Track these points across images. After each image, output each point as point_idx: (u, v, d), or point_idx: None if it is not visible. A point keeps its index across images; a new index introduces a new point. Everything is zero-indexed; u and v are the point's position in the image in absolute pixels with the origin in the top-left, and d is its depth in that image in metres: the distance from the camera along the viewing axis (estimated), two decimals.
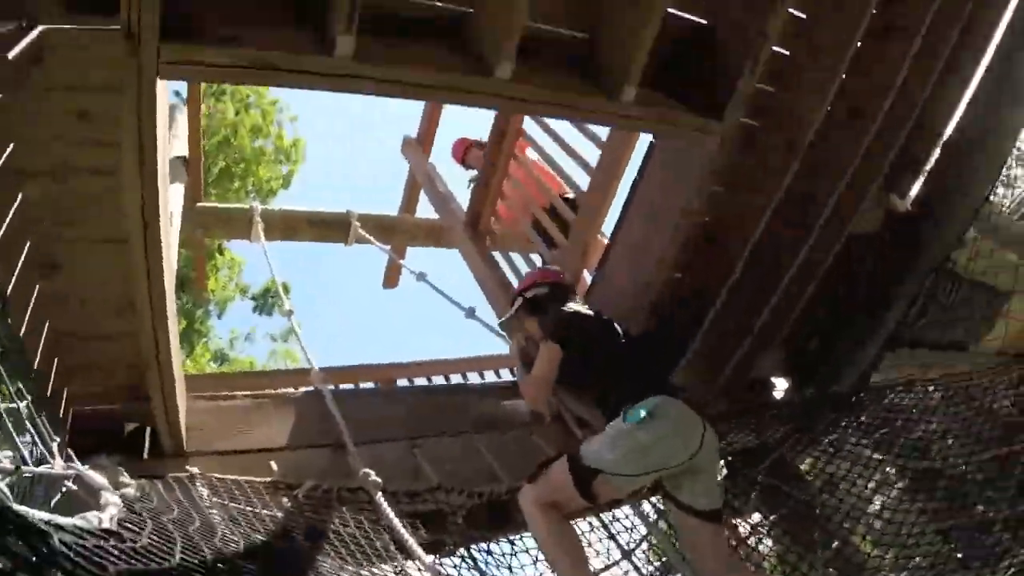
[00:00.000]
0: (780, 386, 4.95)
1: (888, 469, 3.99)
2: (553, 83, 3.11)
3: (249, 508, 2.91)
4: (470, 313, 4.59)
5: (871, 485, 3.91)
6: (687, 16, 3.35)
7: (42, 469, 1.53)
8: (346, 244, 6.06)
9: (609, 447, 2.92)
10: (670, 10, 3.14)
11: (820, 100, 3.56)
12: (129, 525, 1.46)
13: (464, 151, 6.23)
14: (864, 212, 4.16)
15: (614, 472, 2.87)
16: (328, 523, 3.06)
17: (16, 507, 0.91)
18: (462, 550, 3.61)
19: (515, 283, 4.84)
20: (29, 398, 2.15)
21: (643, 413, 2.90)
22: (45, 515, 1.04)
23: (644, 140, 4.13)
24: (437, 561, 3.03)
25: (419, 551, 2.73)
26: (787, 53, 3.59)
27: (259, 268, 16.29)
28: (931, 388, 4.29)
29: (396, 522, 2.80)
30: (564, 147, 4.92)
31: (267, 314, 15.44)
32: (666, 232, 3.84)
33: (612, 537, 3.95)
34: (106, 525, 1.34)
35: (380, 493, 3.01)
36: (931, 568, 3.38)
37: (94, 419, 3.30)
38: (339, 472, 3.43)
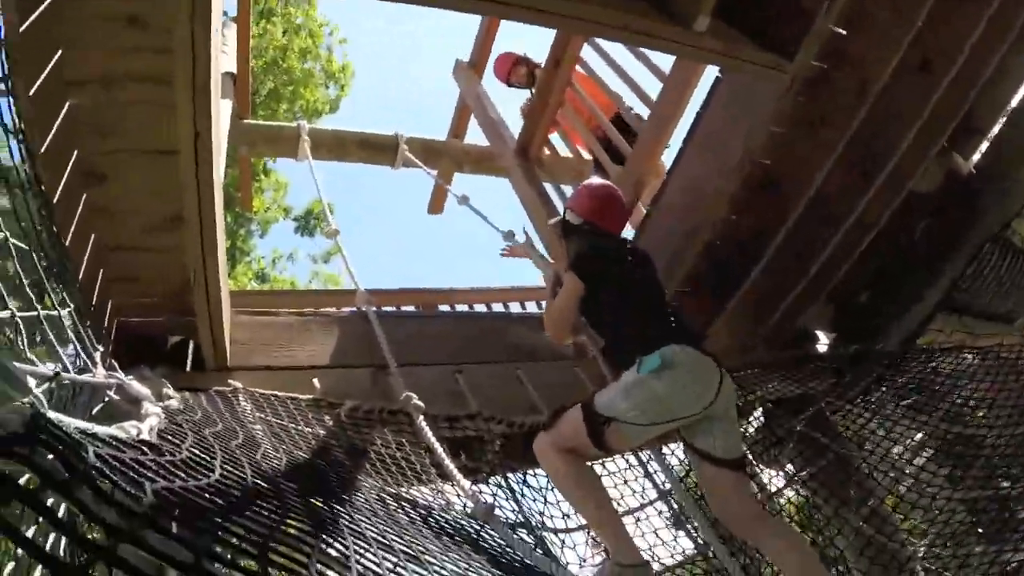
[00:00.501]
0: (824, 339, 4.84)
1: (924, 432, 3.91)
2: (625, 6, 2.98)
3: (292, 424, 2.91)
4: (508, 236, 4.45)
5: (907, 446, 3.84)
6: None
7: (83, 377, 1.50)
8: (393, 167, 5.98)
9: (623, 396, 2.83)
10: None
11: (893, 48, 3.39)
12: (169, 437, 1.43)
13: (509, 68, 6.03)
14: (926, 170, 4.01)
15: (627, 421, 2.79)
16: (369, 443, 3.07)
17: (51, 414, 0.86)
18: (498, 478, 3.62)
19: None
20: (72, 306, 2.13)
21: (658, 362, 2.79)
22: (81, 423, 1.00)
23: (707, 76, 3.99)
24: (475, 487, 3.02)
25: (459, 475, 2.71)
26: None
27: (302, 191, 16.32)
28: (977, 356, 4.18)
29: (437, 446, 2.78)
30: (624, 78, 4.74)
31: (309, 235, 15.56)
32: (726, 171, 3.73)
33: (649, 476, 3.93)
34: (144, 436, 1.30)
35: (422, 417, 2.99)
36: (952, 537, 3.32)
37: (138, 332, 3.32)
38: (381, 393, 3.43)
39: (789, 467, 4.12)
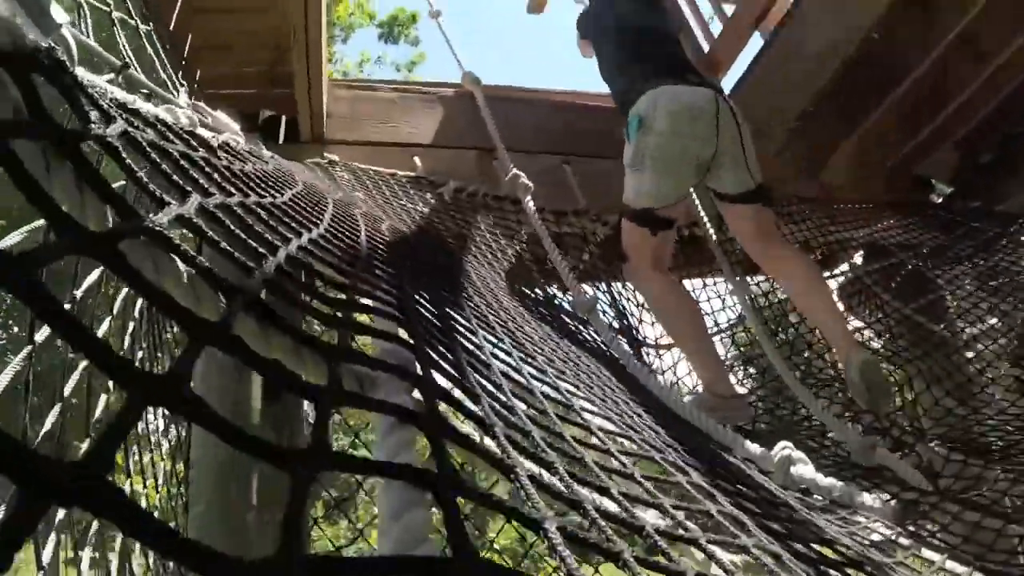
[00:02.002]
0: (942, 190, 4.40)
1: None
2: None
3: (394, 199, 2.73)
4: None
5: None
6: None
7: (144, 79, 1.23)
8: None
9: (638, 174, 2.66)
10: None
11: None
12: (236, 152, 1.18)
13: None
14: None
15: (663, 193, 2.65)
16: (473, 227, 2.89)
17: (78, 73, 0.64)
18: (599, 284, 3.49)
19: None
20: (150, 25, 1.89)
21: (637, 120, 2.63)
22: (119, 92, 0.78)
23: None
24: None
25: (564, 265, 2.54)
26: None
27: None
28: None
29: (542, 230, 2.60)
30: None
31: (393, 42, 14.93)
32: None
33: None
34: (203, 133, 1.05)
35: (529, 198, 2.77)
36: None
37: (227, 105, 3.14)
38: (485, 177, 3.23)
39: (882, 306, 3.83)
